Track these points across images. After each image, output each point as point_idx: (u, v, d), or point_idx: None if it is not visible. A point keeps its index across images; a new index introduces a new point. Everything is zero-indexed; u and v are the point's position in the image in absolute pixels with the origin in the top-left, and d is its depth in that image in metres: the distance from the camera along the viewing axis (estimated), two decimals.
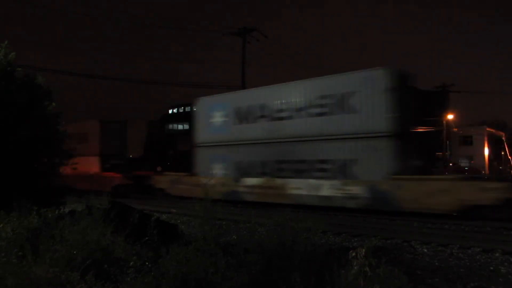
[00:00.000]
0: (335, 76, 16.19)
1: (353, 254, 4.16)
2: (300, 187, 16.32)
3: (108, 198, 7.62)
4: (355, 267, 4.04)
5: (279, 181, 17.02)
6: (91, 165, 26.99)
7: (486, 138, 32.10)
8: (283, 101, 17.37)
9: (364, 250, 4.14)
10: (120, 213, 6.92)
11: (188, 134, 33.01)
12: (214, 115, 20.03)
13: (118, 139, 28.30)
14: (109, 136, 27.64)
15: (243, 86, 25.27)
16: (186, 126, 52.14)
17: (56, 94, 10.78)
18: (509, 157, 26.33)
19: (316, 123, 16.14)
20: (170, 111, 61.60)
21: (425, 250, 9.00)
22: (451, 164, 24.74)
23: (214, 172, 19.51)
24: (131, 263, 4.83)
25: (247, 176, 18.17)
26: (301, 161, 16.56)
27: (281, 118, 17.30)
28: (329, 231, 11.02)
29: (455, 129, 34.46)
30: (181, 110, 59.59)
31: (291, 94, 17.10)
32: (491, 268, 7.51)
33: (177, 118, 56.02)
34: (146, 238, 5.80)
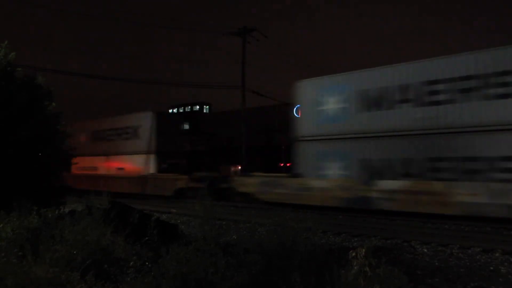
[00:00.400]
0: None
1: (353, 254, 4.16)
2: (475, 193, 12.33)
3: (108, 198, 7.62)
4: (355, 267, 4.04)
5: (437, 185, 13.02)
6: (143, 164, 23.45)
7: None
8: (440, 80, 13.29)
9: (364, 250, 4.14)
10: (120, 213, 6.92)
11: (188, 134, 32.81)
12: (326, 101, 15.84)
13: (176, 134, 24.40)
14: (166, 131, 23.50)
15: (243, 86, 25.25)
16: (186, 126, 52.24)
17: (56, 94, 10.79)
18: None
19: (497, 108, 12.31)
20: (170, 111, 61.86)
21: (425, 250, 9.00)
22: None
23: (327, 172, 15.64)
24: (131, 263, 4.84)
25: (379, 177, 14.24)
26: (473, 159, 12.67)
27: (436, 103, 13.31)
28: (329, 231, 11.02)
29: None
30: (181, 110, 59.82)
31: (452, 71, 13.12)
32: (491, 268, 7.51)
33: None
34: (146, 238, 5.81)
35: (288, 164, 29.15)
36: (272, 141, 34.77)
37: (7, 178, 9.11)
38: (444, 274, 7.02)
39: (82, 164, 27.72)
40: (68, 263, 5.00)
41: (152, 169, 23.07)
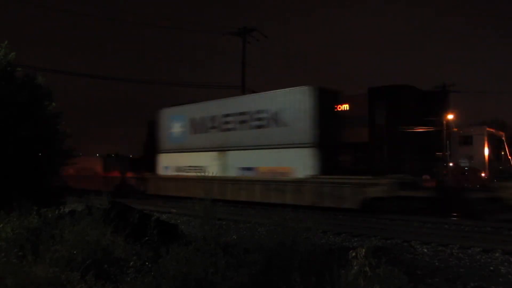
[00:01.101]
0: None
1: (353, 254, 4.16)
2: None
3: (107, 198, 7.62)
4: (355, 267, 4.04)
5: None
6: (293, 163, 16.97)
7: (486, 138, 32.12)
8: None
9: (364, 250, 4.14)
10: (120, 213, 6.92)
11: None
12: None
13: (335, 120, 17.77)
14: (326, 115, 16.87)
15: (243, 86, 25.26)
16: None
17: (56, 94, 10.79)
18: (509, 157, 26.34)
19: None
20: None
21: (425, 250, 9.00)
22: (451, 164, 24.86)
23: None
24: (131, 263, 4.83)
25: None
26: None
27: None
28: (329, 231, 11.02)
29: (455, 129, 34.50)
30: None
31: None
32: (491, 268, 7.52)
33: None
34: (146, 238, 5.80)
35: None
36: None
37: (7, 178, 9.10)
38: (444, 274, 7.02)
39: (176, 163, 22.12)
40: (68, 263, 5.00)
41: (310, 169, 16.49)
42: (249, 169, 18.68)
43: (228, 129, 19.65)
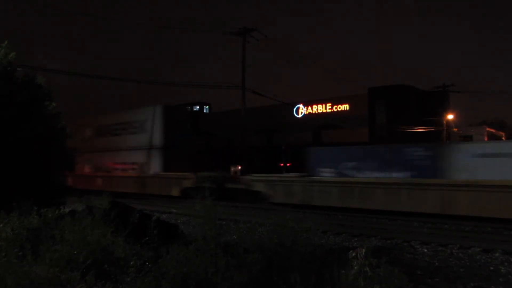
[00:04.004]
0: None
1: (353, 254, 4.16)
2: None
3: (108, 198, 7.62)
4: (355, 267, 4.04)
5: None
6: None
7: (486, 138, 32.21)
8: None
9: (364, 250, 4.14)
10: (120, 213, 6.91)
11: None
12: None
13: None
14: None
15: (243, 86, 25.22)
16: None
17: (56, 94, 10.78)
18: None
19: None
20: None
21: (425, 250, 9.00)
22: None
23: None
24: (131, 263, 4.84)
25: None
26: None
27: None
28: (329, 231, 11.02)
29: (455, 129, 34.53)
30: None
31: None
32: (491, 268, 7.52)
33: None
34: (146, 238, 5.80)
35: (288, 164, 28.94)
36: (272, 141, 34.76)
37: (7, 178, 9.10)
38: (444, 274, 7.02)
39: None
40: (68, 263, 4.99)
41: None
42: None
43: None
